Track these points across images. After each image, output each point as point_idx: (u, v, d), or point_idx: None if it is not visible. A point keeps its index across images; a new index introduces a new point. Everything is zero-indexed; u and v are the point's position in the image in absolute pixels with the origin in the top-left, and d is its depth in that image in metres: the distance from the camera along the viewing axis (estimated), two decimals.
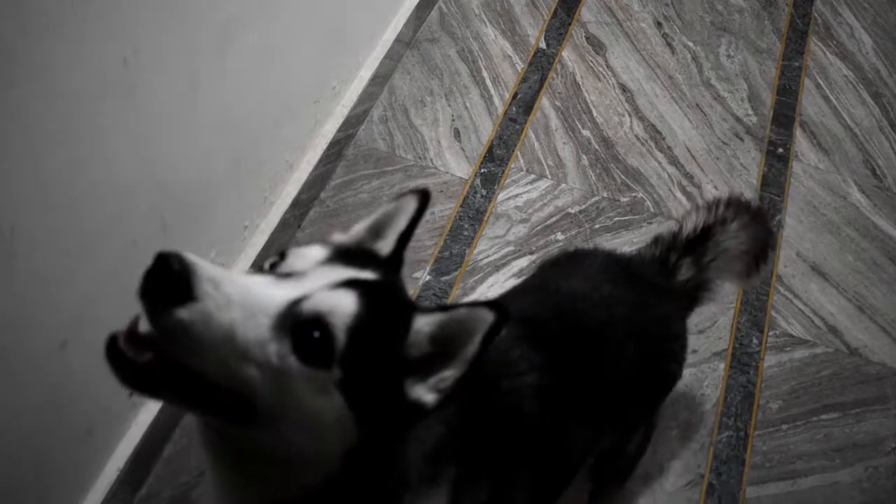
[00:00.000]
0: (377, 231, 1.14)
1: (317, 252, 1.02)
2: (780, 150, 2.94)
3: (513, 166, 2.78)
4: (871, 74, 3.21)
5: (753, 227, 1.86)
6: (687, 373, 1.98)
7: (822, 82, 3.17)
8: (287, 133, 2.37)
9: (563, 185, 2.75)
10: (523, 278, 1.99)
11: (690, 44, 3.23)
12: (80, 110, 1.45)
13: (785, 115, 3.04)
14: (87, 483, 1.89)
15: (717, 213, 1.83)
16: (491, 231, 2.61)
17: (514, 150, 2.81)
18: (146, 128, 1.66)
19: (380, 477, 1.06)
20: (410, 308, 1.02)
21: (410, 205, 1.13)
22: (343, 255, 1.02)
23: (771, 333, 2.48)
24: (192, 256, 0.85)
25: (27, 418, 1.59)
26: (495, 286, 2.48)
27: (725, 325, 2.46)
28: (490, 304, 0.98)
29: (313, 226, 2.55)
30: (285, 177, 2.43)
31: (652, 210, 2.71)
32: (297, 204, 2.46)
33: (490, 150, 2.80)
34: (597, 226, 2.66)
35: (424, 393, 0.99)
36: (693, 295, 1.82)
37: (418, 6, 3.02)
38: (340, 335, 0.91)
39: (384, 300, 0.99)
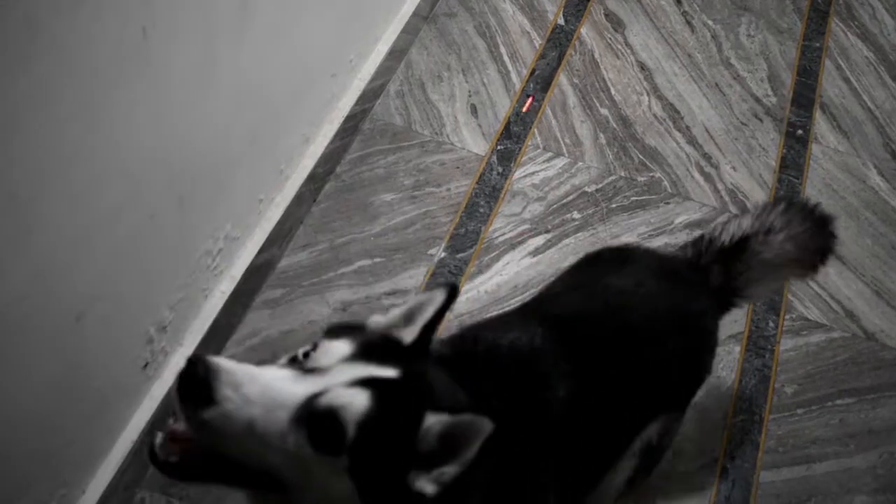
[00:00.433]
0: (410, 317, 1.23)
1: (342, 348, 1.12)
2: (800, 131, 2.91)
3: (530, 144, 2.75)
4: (893, 56, 3.18)
5: (807, 242, 1.83)
6: None
7: (842, 63, 3.14)
8: (304, 107, 2.35)
9: (580, 163, 2.73)
10: (563, 268, 1.96)
11: (710, 22, 3.19)
12: (98, 83, 1.43)
13: (805, 96, 3.01)
14: (101, 455, 1.89)
15: (764, 220, 1.81)
16: (507, 209, 2.59)
17: (531, 128, 2.79)
18: (164, 101, 1.65)
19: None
20: (423, 406, 1.11)
21: (439, 297, 1.21)
22: (367, 351, 1.13)
23: (787, 317, 2.46)
24: (218, 361, 1.00)
25: (42, 390, 1.58)
26: (510, 264, 2.47)
27: (741, 308, 2.44)
28: (492, 414, 1.07)
29: (329, 200, 2.53)
30: (301, 150, 2.42)
31: (669, 190, 2.69)
32: (312, 178, 2.45)
33: (507, 127, 2.78)
34: (613, 205, 2.64)
35: (426, 484, 1.09)
36: (723, 300, 1.82)
37: None
38: (350, 428, 1.03)
39: (397, 398, 1.09)
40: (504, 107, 2.83)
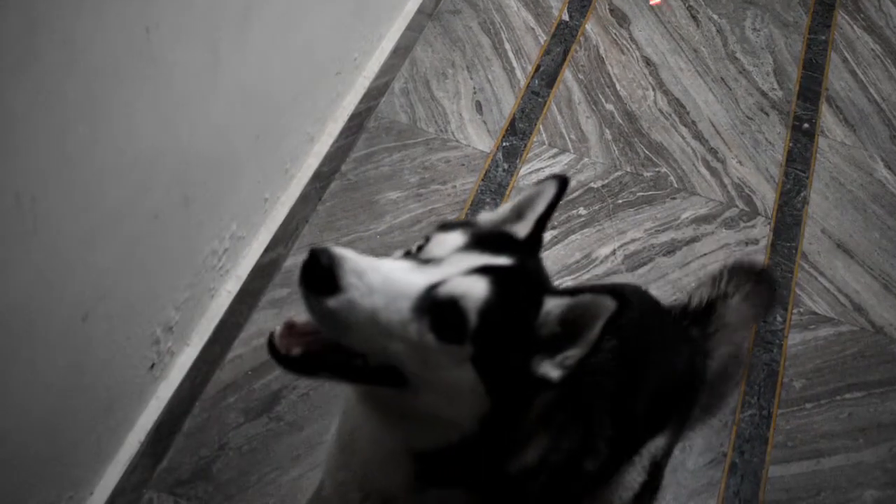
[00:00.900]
0: (520, 213, 1.23)
1: (455, 239, 1.12)
2: (806, 125, 2.90)
3: (535, 140, 2.75)
4: None
5: (757, 296, 2.12)
6: None
7: (848, 56, 3.13)
8: (308, 105, 2.35)
9: (586, 159, 2.72)
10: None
11: (716, 16, 3.18)
12: (101, 83, 1.43)
13: (811, 89, 3.00)
14: (108, 455, 1.89)
15: (719, 288, 2.08)
16: None
17: (536, 124, 2.79)
18: (167, 100, 1.64)
19: (511, 430, 1.19)
20: (541, 291, 1.12)
21: (550, 190, 1.21)
22: (480, 242, 1.12)
23: (795, 311, 2.45)
24: (340, 250, 0.99)
25: (48, 391, 1.58)
26: None
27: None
28: (613, 294, 1.07)
29: (334, 198, 2.53)
30: (306, 149, 2.41)
31: (675, 185, 2.68)
32: (318, 176, 2.44)
33: (512, 124, 2.77)
34: (619, 201, 2.63)
35: (551, 369, 1.09)
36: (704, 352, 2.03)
37: None
38: (472, 316, 1.03)
39: (515, 285, 1.09)
40: (509, 103, 2.83)
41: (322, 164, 2.45)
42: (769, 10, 3.23)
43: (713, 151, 2.79)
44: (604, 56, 3.02)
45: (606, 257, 2.51)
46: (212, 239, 2.02)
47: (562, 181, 1.22)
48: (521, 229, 1.21)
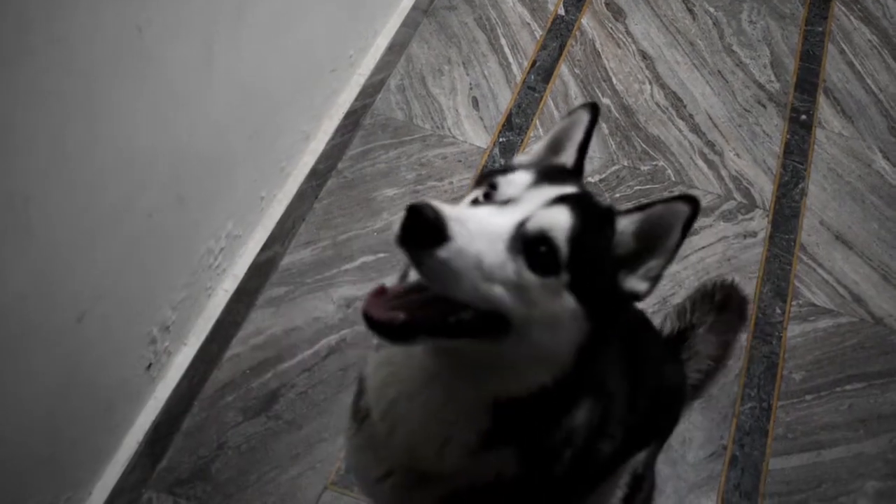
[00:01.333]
0: (555, 148, 1.27)
1: (523, 177, 1.14)
2: (804, 116, 2.89)
3: (532, 135, 2.74)
4: None
5: (722, 325, 2.15)
6: None
7: (845, 47, 3.12)
8: (304, 103, 2.35)
9: None
10: None
11: (712, 9, 3.18)
12: (95, 81, 1.43)
13: (808, 81, 3.00)
14: (107, 455, 1.89)
15: (685, 320, 2.13)
16: None
17: (532, 119, 2.78)
18: (162, 98, 1.64)
19: (587, 379, 1.22)
20: (612, 212, 1.14)
21: (583, 117, 1.24)
22: (545, 175, 1.15)
23: (794, 303, 2.45)
24: (436, 202, 0.97)
25: (45, 392, 1.58)
26: None
27: (748, 294, 2.42)
28: (684, 198, 1.10)
29: (331, 196, 2.53)
30: (302, 147, 2.41)
31: (673, 178, 2.68)
32: (314, 174, 2.44)
33: (508, 119, 2.77)
34: (617, 195, 2.63)
35: (637, 283, 1.13)
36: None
37: None
38: (563, 245, 1.04)
39: (590, 208, 1.11)
40: (505, 99, 2.82)
41: (318, 162, 2.45)
42: (765, 2, 3.22)
43: (710, 144, 2.78)
44: (600, 50, 3.01)
45: None
46: (208, 238, 2.01)
47: (593, 107, 1.24)
48: (567, 158, 1.25)
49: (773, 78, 2.99)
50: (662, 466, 2.11)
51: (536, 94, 2.84)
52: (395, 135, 2.69)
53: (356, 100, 2.60)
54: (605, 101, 2.86)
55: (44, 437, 1.64)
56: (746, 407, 2.25)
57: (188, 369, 2.05)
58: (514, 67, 2.91)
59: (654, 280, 1.12)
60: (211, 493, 2.02)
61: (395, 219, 0.96)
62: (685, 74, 2.97)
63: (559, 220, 1.05)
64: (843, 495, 2.16)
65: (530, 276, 1.03)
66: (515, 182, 1.13)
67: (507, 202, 1.10)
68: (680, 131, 2.80)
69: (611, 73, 2.95)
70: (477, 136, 2.71)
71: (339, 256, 2.41)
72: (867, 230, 2.63)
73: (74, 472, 1.79)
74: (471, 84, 2.85)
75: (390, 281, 1.10)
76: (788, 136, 2.83)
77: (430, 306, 1.04)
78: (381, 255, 2.41)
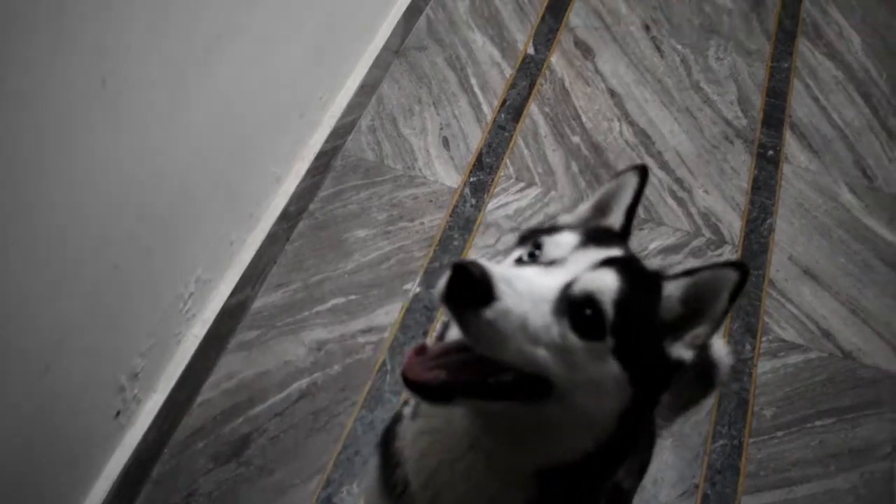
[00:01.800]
0: (601, 209, 1.26)
1: (570, 238, 1.13)
2: (771, 152, 2.92)
3: (502, 174, 2.76)
4: (861, 74, 3.20)
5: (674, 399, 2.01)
6: None
7: (811, 83, 3.16)
8: (274, 146, 2.35)
9: (553, 192, 2.73)
10: None
11: (679, 47, 3.22)
12: (58, 133, 1.42)
13: (775, 116, 3.03)
14: None
15: None
16: (481, 240, 2.59)
17: (503, 158, 2.80)
18: (127, 148, 1.64)
19: (630, 442, 1.20)
20: (659, 276, 1.13)
21: (632, 180, 1.24)
22: (591, 237, 1.14)
23: (764, 339, 2.46)
24: (483, 261, 0.97)
25: (9, 441, 1.57)
26: None
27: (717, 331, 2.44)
28: (732, 264, 1.09)
29: (302, 238, 2.53)
30: (273, 189, 2.41)
31: (642, 216, 2.70)
32: (285, 217, 2.44)
33: (479, 159, 2.78)
34: None
35: (682, 351, 1.10)
36: None
37: (406, 14, 3.00)
38: (609, 309, 1.03)
39: (636, 273, 1.10)
40: (476, 138, 2.84)
41: (289, 204, 2.45)
42: (732, 39, 3.26)
43: (679, 181, 2.81)
44: (569, 89, 3.04)
45: None
46: (176, 284, 2.01)
47: (642, 169, 1.24)
48: (615, 220, 1.23)
49: (740, 114, 3.02)
50: None
51: (506, 134, 2.86)
52: (367, 176, 2.70)
53: (327, 141, 2.61)
54: (575, 139, 2.88)
55: (8, 487, 1.62)
56: (718, 444, 2.26)
57: (158, 416, 2.04)
58: (485, 107, 2.93)
59: (700, 348, 1.10)
60: None
61: (441, 278, 0.96)
62: (654, 112, 3.00)
63: (606, 284, 1.04)
64: None
65: (575, 340, 1.02)
66: (561, 243, 1.13)
67: (552, 263, 1.10)
68: (649, 169, 2.82)
69: (580, 111, 2.97)
70: (448, 176, 2.73)
71: (311, 299, 2.41)
72: (835, 265, 2.65)
73: None
74: (441, 124, 2.87)
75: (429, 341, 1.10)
76: (756, 172, 2.86)
77: (471, 367, 1.03)
78: (353, 296, 2.41)
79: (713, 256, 2.62)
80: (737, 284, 1.07)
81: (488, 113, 2.92)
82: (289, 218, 2.48)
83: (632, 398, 1.07)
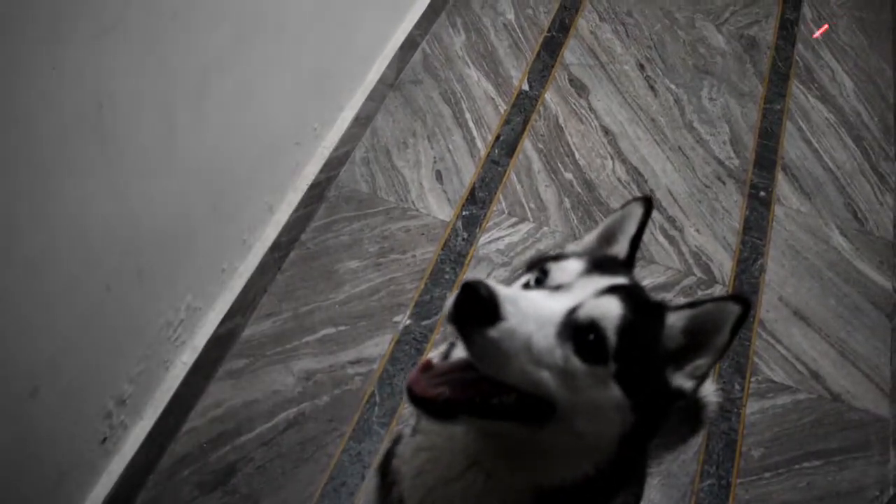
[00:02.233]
0: (607, 238, 1.29)
1: (576, 265, 1.16)
2: (762, 193, 2.94)
3: (495, 209, 2.77)
4: (853, 117, 3.23)
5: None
6: None
7: (803, 125, 3.19)
8: (267, 175, 2.36)
9: (545, 228, 2.74)
10: None
11: (673, 86, 3.24)
12: (54, 155, 1.43)
13: (767, 158, 3.05)
14: None
15: None
16: (472, 274, 2.59)
17: (496, 193, 2.81)
18: (122, 173, 1.64)
19: (630, 468, 1.22)
20: (662, 306, 1.14)
21: (637, 210, 1.26)
22: (597, 265, 1.16)
23: (753, 379, 2.46)
24: (491, 282, 0.99)
25: None
26: None
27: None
28: (735, 298, 1.10)
29: (293, 268, 2.53)
30: (265, 219, 2.42)
31: None
32: (276, 246, 2.44)
33: (472, 193, 2.79)
34: None
35: (684, 380, 1.12)
36: None
37: (402, 48, 3.02)
38: (611, 335, 1.05)
39: (640, 301, 1.12)
40: (469, 172, 2.85)
41: (281, 234, 2.45)
42: (725, 81, 3.29)
43: (671, 220, 2.82)
44: (563, 125, 3.06)
45: None
46: (166, 310, 2.01)
47: (647, 201, 1.27)
48: (619, 250, 1.26)
49: (732, 154, 3.04)
50: None
51: (500, 169, 2.87)
52: (359, 207, 2.71)
53: (321, 172, 2.61)
54: (568, 175, 2.89)
55: None
56: (706, 484, 2.25)
57: (144, 443, 2.02)
58: (479, 141, 2.95)
59: (701, 379, 1.12)
60: None
61: (449, 297, 0.98)
62: (646, 150, 3.02)
63: (609, 310, 1.06)
64: None
65: (577, 363, 1.04)
66: (567, 269, 1.15)
67: (558, 288, 1.12)
68: (654, 199, 2.83)
69: (573, 148, 2.99)
70: (440, 210, 2.73)
71: (301, 328, 2.40)
72: (825, 306, 2.66)
73: None
74: (435, 157, 2.88)
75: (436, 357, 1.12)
76: (747, 212, 2.88)
77: (475, 386, 1.05)
78: (342, 327, 2.41)
79: (704, 296, 2.62)
80: (739, 317, 1.09)
81: (482, 147, 2.93)
82: (281, 247, 2.48)
83: (632, 425, 1.09)
